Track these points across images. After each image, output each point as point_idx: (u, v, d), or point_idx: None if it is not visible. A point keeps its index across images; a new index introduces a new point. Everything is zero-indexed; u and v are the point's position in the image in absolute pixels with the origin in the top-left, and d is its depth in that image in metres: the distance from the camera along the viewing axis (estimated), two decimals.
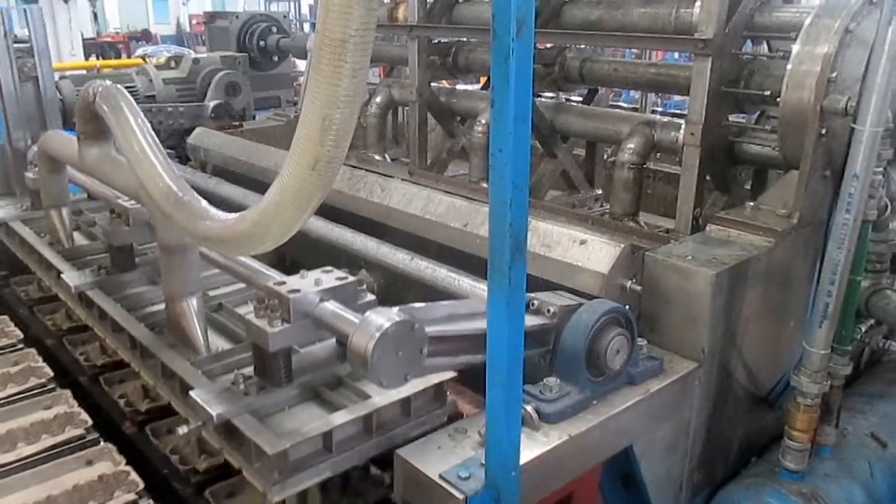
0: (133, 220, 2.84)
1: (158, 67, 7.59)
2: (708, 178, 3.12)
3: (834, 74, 2.40)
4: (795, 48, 2.51)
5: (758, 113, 3.28)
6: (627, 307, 2.17)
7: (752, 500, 2.50)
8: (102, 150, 2.81)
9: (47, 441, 2.40)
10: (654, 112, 5.85)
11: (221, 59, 7.68)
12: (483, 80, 5.19)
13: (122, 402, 2.77)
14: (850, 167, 2.22)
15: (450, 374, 2.04)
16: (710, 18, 2.85)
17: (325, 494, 2.27)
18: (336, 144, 1.57)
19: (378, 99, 4.85)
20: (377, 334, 1.72)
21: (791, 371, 2.46)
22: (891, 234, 2.58)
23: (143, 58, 10.61)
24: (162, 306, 2.59)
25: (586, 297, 2.19)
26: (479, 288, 2.44)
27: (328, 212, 3.09)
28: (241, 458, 1.91)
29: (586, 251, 2.42)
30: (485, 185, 3.68)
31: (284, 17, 9.50)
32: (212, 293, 2.87)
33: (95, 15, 24.58)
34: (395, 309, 1.80)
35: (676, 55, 6.90)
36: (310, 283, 2.00)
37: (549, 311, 2.07)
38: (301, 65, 9.43)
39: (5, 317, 3.14)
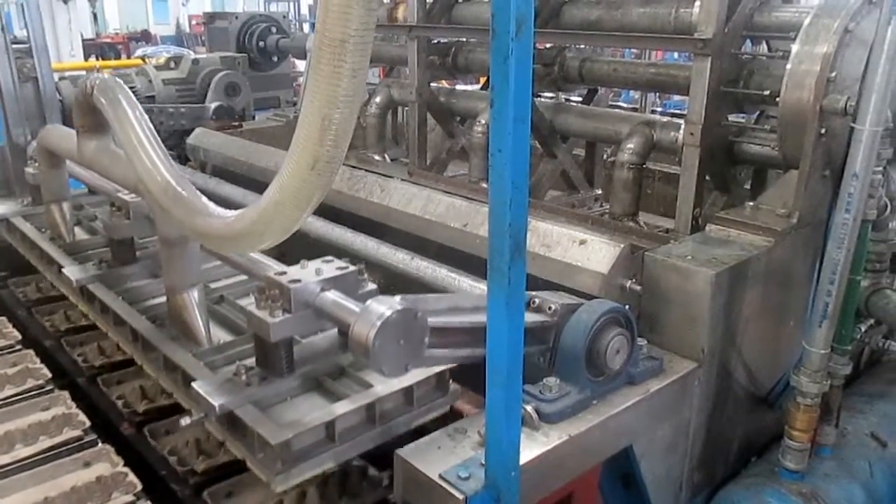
0: (133, 214, 2.84)
1: (158, 68, 7.59)
2: (707, 177, 3.12)
3: (833, 74, 2.40)
4: (795, 48, 2.51)
5: (757, 113, 3.28)
6: (627, 307, 2.17)
7: (752, 499, 2.50)
8: (101, 144, 2.80)
9: (45, 442, 2.40)
10: (653, 112, 5.86)
11: (221, 59, 7.68)
12: (483, 80, 5.19)
13: (120, 403, 2.77)
14: (849, 167, 2.22)
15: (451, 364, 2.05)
16: (709, 18, 2.85)
17: (324, 495, 2.27)
18: (335, 144, 1.57)
19: (378, 99, 4.85)
20: (378, 322, 1.72)
21: (791, 371, 2.46)
22: (890, 233, 2.58)
23: (142, 58, 10.60)
24: (163, 299, 2.59)
25: (586, 297, 2.19)
26: (479, 288, 2.44)
27: (328, 212, 3.09)
28: (245, 449, 1.91)
29: (586, 251, 2.43)
30: (484, 185, 3.68)
31: (284, 17, 9.50)
32: (213, 285, 2.87)
33: (95, 16, 24.59)
34: (398, 297, 1.80)
35: (676, 55, 6.90)
36: (310, 273, 2.00)
37: (550, 308, 2.07)
38: (301, 65, 9.43)
39: (3, 318, 3.13)
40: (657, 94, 7.33)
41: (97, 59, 14.65)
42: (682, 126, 3.13)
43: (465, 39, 4.41)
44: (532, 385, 2.02)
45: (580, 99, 4.35)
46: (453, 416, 2.14)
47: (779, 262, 2.50)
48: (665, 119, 3.47)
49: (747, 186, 3.36)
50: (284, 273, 1.99)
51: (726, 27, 2.87)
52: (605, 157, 4.28)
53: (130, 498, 2.16)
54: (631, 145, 3.36)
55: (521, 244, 1.51)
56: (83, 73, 9.36)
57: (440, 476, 1.76)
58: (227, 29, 8.46)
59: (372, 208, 3.27)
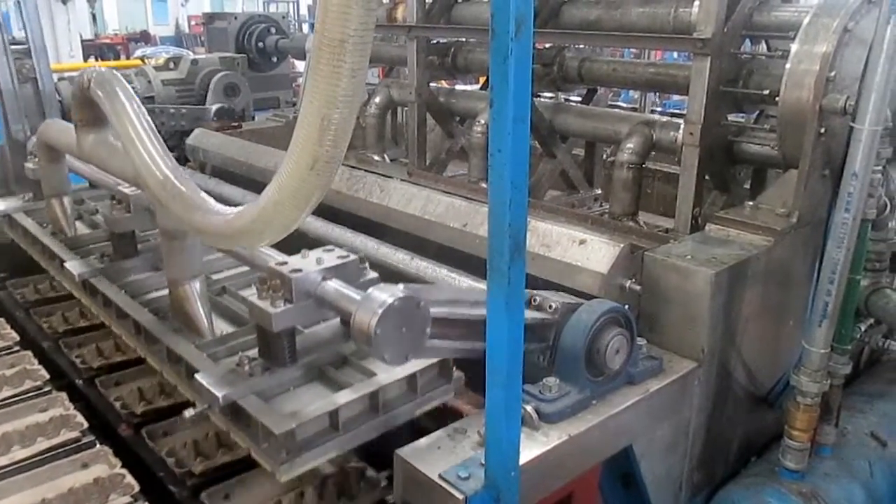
0: (134, 207, 2.83)
1: (157, 69, 7.60)
2: (707, 177, 3.12)
3: (833, 73, 2.40)
4: (794, 47, 2.51)
5: (757, 112, 3.28)
6: (627, 307, 2.17)
7: (751, 499, 2.50)
8: (100, 137, 2.79)
9: (43, 444, 2.40)
10: (653, 112, 5.86)
11: (220, 60, 7.69)
12: (482, 80, 5.19)
13: (118, 404, 2.77)
14: (849, 166, 2.22)
15: None
16: (708, 18, 2.85)
17: (322, 496, 2.27)
18: (335, 144, 1.57)
19: (377, 99, 4.85)
20: (380, 310, 1.72)
21: (791, 370, 2.46)
22: (890, 232, 2.58)
23: (141, 59, 10.60)
24: (166, 291, 2.58)
25: (586, 297, 2.19)
26: (479, 288, 2.44)
27: (327, 212, 3.09)
28: (249, 439, 1.91)
29: (585, 251, 2.42)
30: (484, 185, 3.68)
31: (283, 17, 9.51)
32: (215, 277, 2.86)
33: (94, 16, 24.60)
34: (401, 285, 1.80)
35: (675, 55, 6.90)
36: (311, 263, 2.00)
37: (550, 307, 2.07)
38: (300, 65, 9.43)
39: (1, 319, 3.14)
40: (657, 93, 7.32)
41: (96, 59, 14.65)
42: (682, 126, 3.13)
43: (464, 39, 4.41)
44: (532, 385, 2.02)
45: (579, 99, 4.35)
46: (453, 416, 2.14)
47: (778, 262, 2.50)
48: (664, 119, 3.47)
49: (747, 186, 3.36)
50: (285, 263, 1.99)
51: (725, 27, 2.87)
52: (604, 157, 4.28)
53: (128, 499, 2.15)
54: (630, 145, 3.36)
55: (520, 244, 1.51)
56: None
57: (440, 476, 1.76)
58: (227, 29, 8.47)
59: (371, 208, 3.27)
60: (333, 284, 1.96)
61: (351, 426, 1.91)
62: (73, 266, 2.91)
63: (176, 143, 5.67)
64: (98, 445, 2.39)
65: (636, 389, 2.15)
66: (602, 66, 3.72)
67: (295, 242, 2.09)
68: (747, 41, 3.09)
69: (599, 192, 4.19)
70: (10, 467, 2.29)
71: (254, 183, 3.80)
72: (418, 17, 4.14)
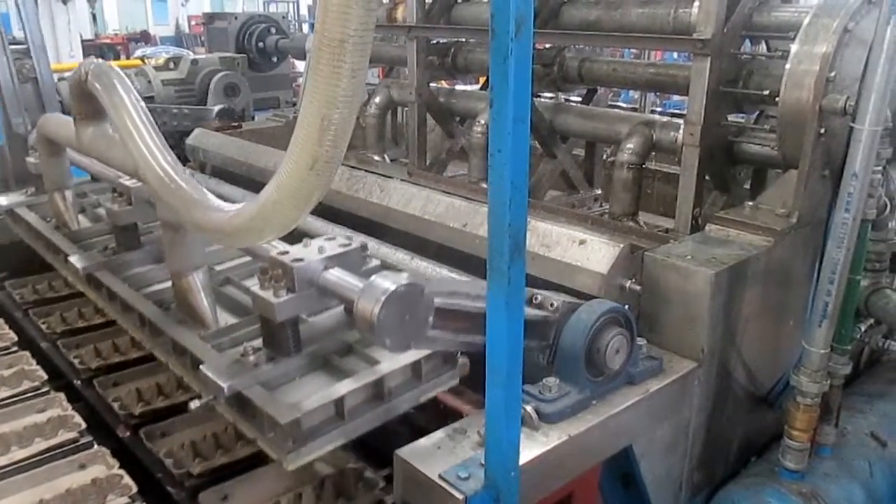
0: (135, 199, 2.82)
1: (157, 69, 7.61)
2: (707, 177, 3.12)
3: (833, 74, 2.40)
4: (794, 47, 2.51)
5: (757, 112, 3.28)
6: (627, 307, 2.17)
7: (751, 499, 2.50)
8: (99, 130, 2.78)
9: (40, 445, 2.39)
10: (653, 112, 5.85)
11: (220, 60, 7.70)
12: (482, 80, 5.19)
13: (116, 405, 2.76)
14: (849, 166, 2.22)
15: None
16: (708, 18, 2.85)
17: (320, 497, 2.27)
18: (335, 145, 1.57)
19: (377, 99, 4.85)
20: (383, 297, 1.73)
21: (791, 370, 2.46)
22: (890, 233, 2.58)
23: (141, 59, 10.60)
24: (170, 283, 2.57)
25: (585, 297, 2.19)
26: (482, 283, 2.43)
27: (327, 212, 3.09)
28: (255, 429, 1.91)
29: (585, 251, 2.42)
30: (484, 185, 3.68)
31: (283, 17, 9.51)
32: (218, 268, 2.85)
33: (94, 16, 24.59)
34: (404, 273, 1.80)
35: (675, 55, 6.90)
36: (313, 252, 2.00)
37: (552, 305, 2.07)
38: (300, 65, 9.43)
39: (0, 319, 3.14)
40: (656, 94, 7.33)
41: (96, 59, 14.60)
42: (682, 126, 3.13)
43: (464, 39, 4.41)
44: (532, 385, 2.02)
45: (579, 99, 4.35)
46: (453, 416, 2.14)
47: (778, 262, 2.50)
48: (664, 119, 3.47)
49: (747, 186, 3.36)
50: (287, 252, 1.98)
51: (725, 27, 2.87)
52: (604, 157, 4.28)
53: (126, 500, 2.16)
54: (630, 145, 3.36)
55: (520, 244, 1.51)
56: None
57: (440, 476, 1.76)
58: (227, 29, 8.48)
59: (371, 208, 3.27)
60: (336, 273, 1.96)
61: (356, 414, 1.91)
62: (77, 260, 2.89)
63: (176, 142, 5.68)
64: (96, 446, 2.39)
65: (636, 389, 2.15)
66: (602, 67, 3.72)
67: (295, 242, 2.09)
68: (747, 41, 3.09)
69: (599, 192, 4.19)
70: (8, 468, 2.29)
71: (254, 183, 3.80)
72: (418, 18, 4.14)
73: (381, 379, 1.96)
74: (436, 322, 1.84)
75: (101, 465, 2.31)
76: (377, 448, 2.59)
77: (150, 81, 7.29)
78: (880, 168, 2.28)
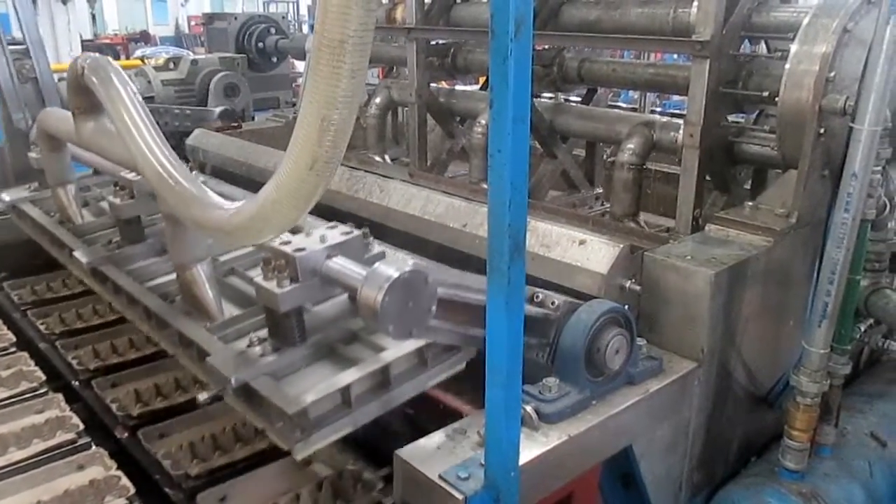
0: (138, 193, 2.81)
1: (157, 69, 7.61)
2: (707, 177, 3.12)
3: (832, 74, 2.40)
4: (794, 48, 2.51)
5: (756, 112, 3.28)
6: (627, 307, 2.17)
7: (751, 499, 2.50)
8: (98, 125, 2.77)
9: (38, 446, 2.39)
10: (652, 112, 5.85)
11: (220, 60, 7.70)
12: (482, 80, 5.19)
13: (114, 406, 2.76)
14: (848, 166, 2.22)
15: None
16: (707, 20, 2.85)
17: (318, 500, 2.27)
18: (334, 145, 1.57)
19: (377, 100, 4.85)
20: (386, 284, 1.73)
21: (790, 370, 2.46)
22: (889, 233, 2.58)
23: (141, 59, 10.60)
24: (175, 275, 2.57)
25: (585, 298, 2.19)
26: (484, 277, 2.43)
27: (327, 212, 3.08)
28: (263, 420, 1.91)
29: (585, 251, 2.42)
30: (485, 185, 3.68)
31: (283, 18, 9.51)
32: (222, 258, 2.84)
33: (94, 16, 24.59)
34: (410, 261, 1.80)
35: (675, 55, 6.89)
36: (315, 241, 2.00)
37: (553, 303, 2.07)
38: (300, 66, 9.43)
39: None
40: (656, 94, 7.32)
41: None
42: (682, 126, 3.12)
43: (464, 39, 4.41)
44: (532, 385, 2.02)
45: (579, 99, 4.35)
46: (453, 416, 2.14)
47: (778, 262, 2.50)
48: (664, 119, 3.47)
49: (747, 186, 3.36)
50: (289, 242, 1.98)
51: (724, 28, 2.87)
52: (605, 156, 4.28)
53: (123, 502, 2.16)
54: (631, 145, 3.36)
55: (520, 244, 1.51)
56: None
57: (440, 476, 1.76)
58: (227, 30, 8.48)
59: (371, 209, 3.27)
60: (339, 261, 1.95)
61: (363, 402, 1.91)
62: (82, 254, 2.89)
63: (177, 143, 5.68)
64: (94, 447, 2.39)
65: (636, 390, 2.15)
66: (602, 67, 3.72)
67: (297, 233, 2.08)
68: (746, 42, 3.09)
69: (601, 190, 4.18)
70: (6, 468, 2.29)
71: (253, 183, 3.79)
72: (417, 19, 4.14)
73: (387, 366, 1.96)
74: (438, 312, 1.84)
75: (99, 467, 2.31)
76: (377, 447, 2.60)
77: (149, 82, 7.29)
78: (880, 168, 2.28)
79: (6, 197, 3.75)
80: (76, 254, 2.92)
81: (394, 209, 3.17)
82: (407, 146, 4.69)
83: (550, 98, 4.21)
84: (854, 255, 2.30)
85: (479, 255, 2.60)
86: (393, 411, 2.03)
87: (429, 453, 1.86)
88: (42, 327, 3.35)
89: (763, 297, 2.48)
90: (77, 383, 2.98)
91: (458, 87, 5.31)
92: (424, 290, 1.80)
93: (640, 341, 2.20)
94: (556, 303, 2.07)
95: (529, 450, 1.84)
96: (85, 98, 2.69)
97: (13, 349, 3.00)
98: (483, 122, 4.03)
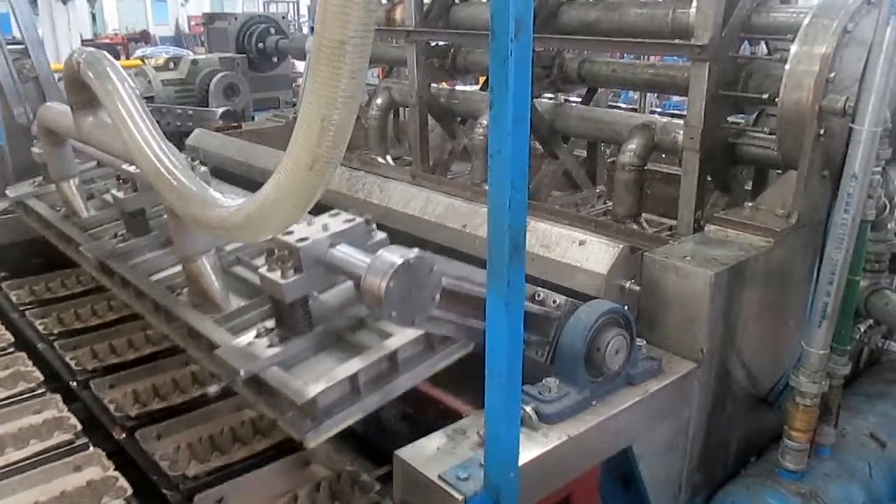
0: (141, 185, 2.80)
1: (157, 69, 7.60)
2: (708, 178, 3.11)
3: (832, 74, 2.40)
4: (794, 48, 2.51)
5: (757, 112, 3.28)
6: (626, 307, 2.17)
7: (751, 500, 2.50)
8: (97, 119, 2.77)
9: (36, 446, 2.39)
10: (652, 112, 5.86)
11: (220, 60, 7.69)
12: (482, 80, 5.19)
13: (112, 407, 2.76)
14: (848, 167, 2.22)
15: None
16: (706, 22, 2.84)
17: (316, 501, 2.27)
18: (334, 145, 1.57)
19: (379, 101, 4.85)
20: (391, 271, 1.73)
21: (790, 371, 2.46)
22: (889, 233, 2.58)
23: (141, 59, 10.60)
24: (181, 266, 2.56)
25: (585, 298, 2.19)
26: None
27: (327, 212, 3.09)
28: (273, 410, 1.92)
29: (585, 251, 2.42)
30: (486, 186, 3.67)
31: (283, 18, 9.49)
32: (227, 248, 2.82)
33: (94, 16, 24.58)
34: (415, 249, 1.80)
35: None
36: (317, 230, 1.99)
37: (554, 302, 2.07)
38: (300, 66, 9.42)
39: None
40: (656, 94, 7.32)
41: None
42: (683, 127, 3.12)
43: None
44: (531, 385, 2.02)
45: (579, 99, 4.35)
46: (453, 416, 2.14)
47: (778, 263, 2.50)
48: (665, 120, 3.47)
49: (748, 187, 3.36)
50: (291, 232, 1.97)
51: (723, 31, 2.86)
52: (606, 156, 4.28)
53: (121, 502, 2.16)
54: (632, 146, 3.36)
55: (520, 245, 1.51)
56: None
57: (439, 476, 1.76)
58: (227, 30, 8.45)
59: (371, 209, 3.25)
60: (342, 249, 1.96)
61: (372, 389, 1.92)
62: (89, 248, 2.89)
63: (178, 143, 5.68)
64: (92, 448, 2.39)
65: (636, 390, 2.15)
66: (602, 67, 3.72)
67: None
68: (746, 43, 3.09)
69: (603, 188, 4.18)
70: (4, 469, 2.29)
71: (253, 183, 3.77)
72: (416, 21, 4.13)
73: (395, 352, 1.96)
74: (442, 302, 1.84)
75: (97, 467, 2.31)
76: (377, 447, 2.60)
77: (149, 81, 7.28)
78: (879, 169, 2.28)
79: (11, 193, 3.74)
80: (83, 248, 2.91)
81: (394, 209, 3.17)
82: (409, 146, 4.69)
83: (551, 99, 4.21)
84: (854, 255, 2.30)
85: (479, 255, 2.60)
86: (393, 411, 2.03)
87: (428, 454, 1.86)
88: (40, 327, 3.35)
89: (763, 298, 2.48)
90: (75, 384, 2.98)
91: (459, 88, 5.31)
92: (428, 279, 1.80)
93: (640, 342, 2.20)
94: (558, 301, 2.07)
95: (529, 450, 1.84)
96: (83, 93, 2.68)
97: (11, 349, 3.00)
98: (484, 122, 4.02)
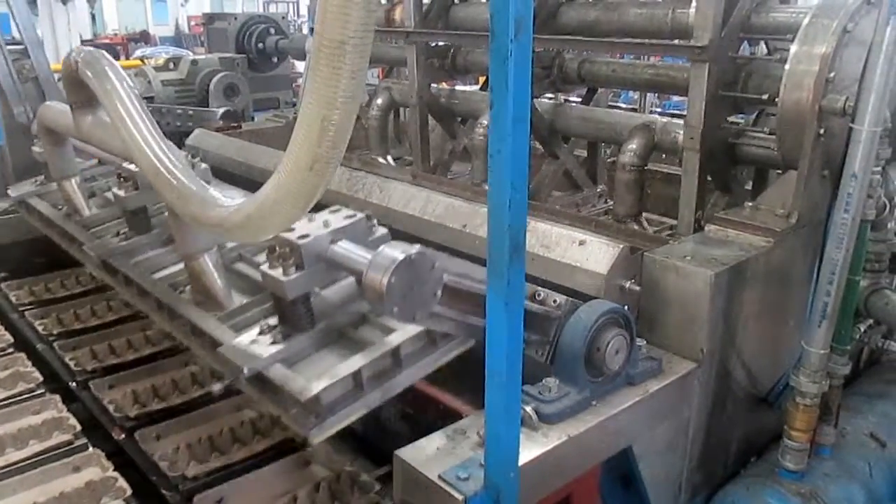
0: (142, 183, 2.80)
1: (157, 69, 7.61)
2: (709, 178, 3.11)
3: (832, 74, 2.40)
4: (793, 48, 2.51)
5: (756, 112, 3.28)
6: (626, 307, 2.17)
7: (751, 499, 2.50)
8: (96, 118, 2.77)
9: (35, 447, 2.39)
10: (652, 112, 5.85)
11: (220, 60, 7.69)
12: (482, 80, 5.19)
13: (111, 407, 2.76)
14: (848, 167, 2.22)
15: None
16: (705, 24, 2.84)
17: (315, 502, 2.27)
18: (334, 145, 1.57)
19: (379, 101, 4.84)
20: (392, 266, 1.73)
21: (790, 371, 2.46)
22: (889, 233, 2.58)
23: (141, 59, 10.60)
24: (184, 263, 2.56)
25: (585, 298, 2.19)
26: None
27: None
28: (278, 407, 1.92)
29: (585, 252, 2.42)
30: (486, 186, 3.66)
31: (283, 18, 9.48)
32: (229, 245, 2.83)
33: (94, 16, 24.57)
34: (417, 245, 1.80)
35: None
36: (318, 227, 1.99)
37: (555, 301, 2.07)
38: (300, 66, 9.42)
39: None
40: (656, 94, 7.32)
41: None
42: (683, 126, 3.12)
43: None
44: (531, 386, 2.02)
45: (579, 99, 4.35)
46: (453, 416, 2.14)
47: (778, 263, 2.50)
48: (665, 120, 3.47)
49: (749, 187, 3.35)
50: (292, 229, 1.98)
51: (723, 31, 2.86)
52: (606, 155, 4.28)
53: (120, 503, 2.15)
54: (633, 146, 3.36)
55: (520, 245, 1.51)
56: None
57: (439, 477, 1.76)
58: (227, 30, 8.45)
59: (371, 209, 3.25)
60: (343, 245, 1.96)
61: (375, 384, 1.92)
62: (92, 247, 2.89)
63: (177, 142, 5.67)
64: (91, 449, 2.38)
65: (636, 390, 2.15)
66: (601, 68, 3.72)
67: None
68: (745, 43, 3.09)
69: (604, 187, 4.18)
70: (3, 470, 2.29)
71: (253, 183, 3.77)
72: (416, 22, 4.13)
73: (397, 348, 1.96)
74: (443, 299, 1.85)
75: (96, 468, 2.31)
76: (377, 447, 2.60)
77: (149, 82, 7.28)
78: (879, 168, 2.28)
79: (13, 192, 3.74)
80: (86, 247, 2.91)
81: (394, 209, 3.17)
82: (409, 145, 4.68)
83: (551, 99, 4.21)
84: (854, 255, 2.30)
85: (479, 255, 2.60)
86: (393, 411, 2.03)
87: (429, 454, 1.86)
88: (40, 328, 3.35)
89: (763, 298, 2.47)
90: (74, 384, 2.98)
91: (459, 88, 5.31)
92: (430, 276, 1.80)
93: (640, 342, 2.20)
94: (558, 301, 2.07)
95: (529, 450, 1.84)
96: (81, 92, 2.68)
97: (11, 350, 3.00)
98: (484, 122, 4.02)
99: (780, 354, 2.64)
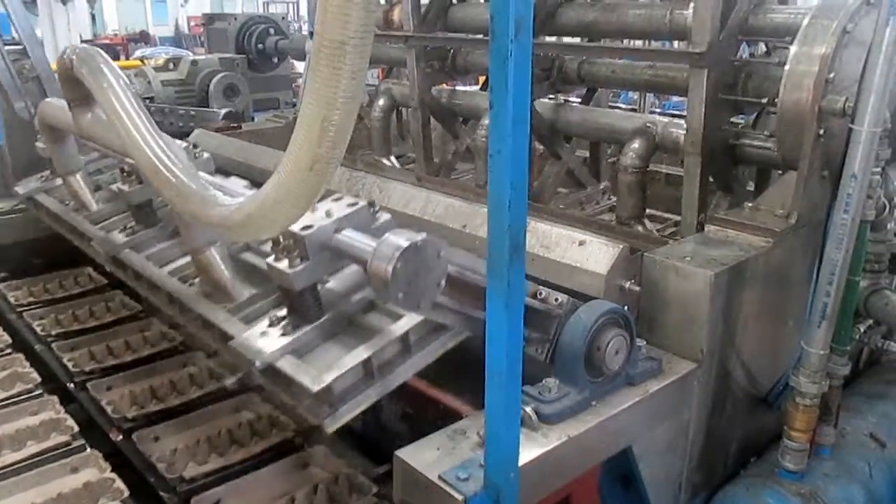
0: (145, 177, 2.81)
1: (157, 69, 7.62)
2: (711, 178, 3.11)
3: (832, 75, 2.40)
4: (793, 49, 2.51)
5: (756, 112, 3.28)
6: (626, 308, 2.17)
7: (751, 500, 2.50)
8: (95, 115, 2.77)
9: (32, 448, 2.39)
10: (652, 112, 5.85)
11: (220, 60, 7.71)
12: (482, 80, 5.19)
13: (109, 408, 2.75)
14: (848, 167, 2.22)
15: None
16: (703, 27, 2.84)
17: (313, 502, 2.26)
18: (334, 146, 1.57)
19: (381, 102, 4.84)
20: (397, 253, 1.73)
21: (790, 371, 2.46)
22: (889, 233, 2.58)
23: (141, 59, 10.60)
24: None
25: (585, 298, 2.19)
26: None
27: None
28: (291, 398, 1.93)
29: (585, 252, 2.42)
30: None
31: (283, 18, 9.49)
32: None
33: (94, 17, 24.57)
34: (423, 233, 1.81)
35: None
36: (321, 216, 1.99)
37: (556, 300, 2.07)
38: (300, 66, 9.43)
39: None
40: (656, 95, 7.31)
41: None
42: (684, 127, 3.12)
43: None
44: (531, 386, 2.02)
45: (579, 99, 4.35)
46: (453, 416, 2.14)
47: (778, 263, 2.50)
48: (666, 120, 3.47)
49: (751, 187, 3.36)
50: None
51: (721, 34, 2.86)
52: (608, 154, 4.28)
53: None
54: (634, 147, 3.36)
55: (520, 245, 1.51)
56: None
57: (439, 477, 1.76)
58: (226, 30, 8.46)
59: None
60: (347, 234, 1.96)
61: (385, 371, 1.93)
62: (100, 243, 2.90)
63: None
64: (88, 450, 2.38)
65: (635, 390, 2.15)
66: (601, 68, 3.72)
67: None
68: (744, 44, 3.09)
69: (607, 184, 4.17)
70: (1, 471, 2.29)
71: (253, 184, 3.78)
72: (415, 24, 4.13)
73: (406, 334, 1.97)
74: (447, 289, 1.85)
75: (94, 469, 2.31)
76: (377, 446, 2.59)
77: (149, 82, 7.29)
78: (879, 169, 2.28)
79: (21, 189, 3.74)
80: (94, 243, 2.92)
81: (394, 210, 3.16)
82: (412, 143, 4.68)
83: (551, 99, 4.21)
84: (853, 255, 2.30)
85: (479, 255, 2.60)
86: (392, 411, 2.03)
87: (428, 454, 1.85)
88: (38, 329, 3.35)
89: (762, 298, 2.48)
90: (72, 385, 2.97)
91: (460, 88, 5.31)
92: (435, 264, 1.80)
93: (640, 342, 2.20)
94: (560, 300, 2.07)
95: (529, 450, 1.84)
96: (78, 89, 2.68)
97: (9, 351, 3.00)
98: (486, 123, 4.02)
99: (780, 355, 2.64)
